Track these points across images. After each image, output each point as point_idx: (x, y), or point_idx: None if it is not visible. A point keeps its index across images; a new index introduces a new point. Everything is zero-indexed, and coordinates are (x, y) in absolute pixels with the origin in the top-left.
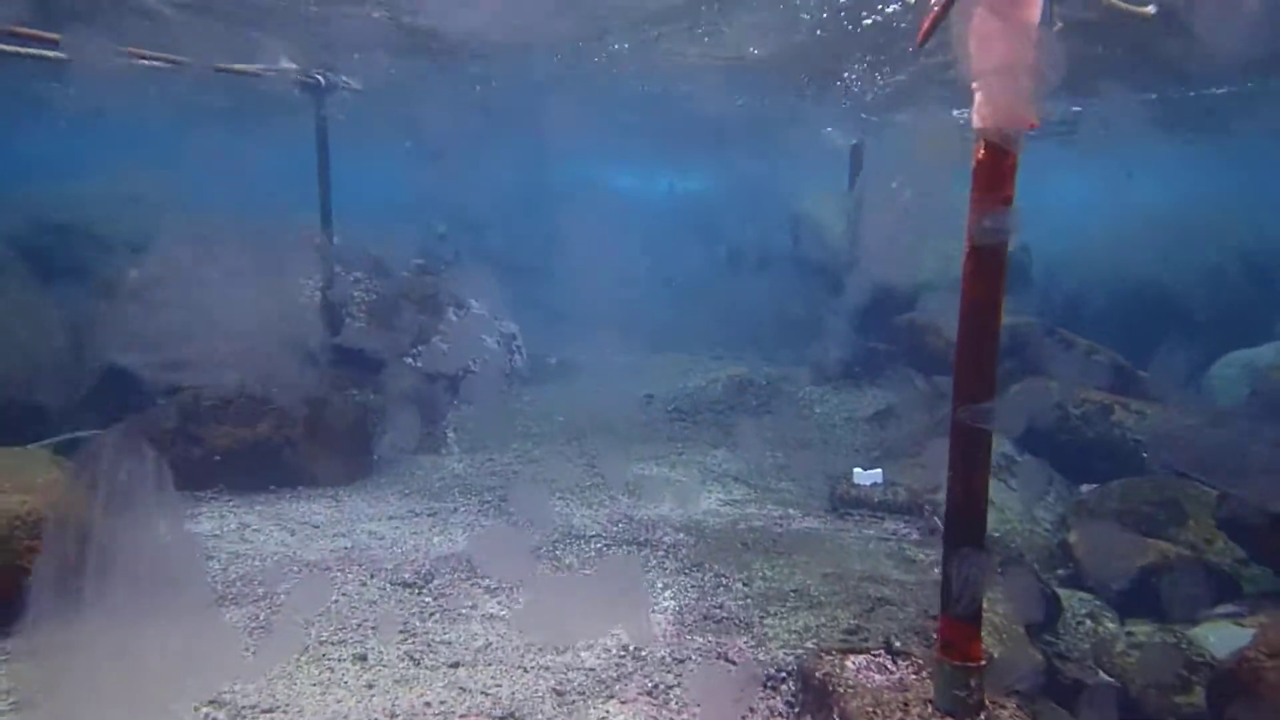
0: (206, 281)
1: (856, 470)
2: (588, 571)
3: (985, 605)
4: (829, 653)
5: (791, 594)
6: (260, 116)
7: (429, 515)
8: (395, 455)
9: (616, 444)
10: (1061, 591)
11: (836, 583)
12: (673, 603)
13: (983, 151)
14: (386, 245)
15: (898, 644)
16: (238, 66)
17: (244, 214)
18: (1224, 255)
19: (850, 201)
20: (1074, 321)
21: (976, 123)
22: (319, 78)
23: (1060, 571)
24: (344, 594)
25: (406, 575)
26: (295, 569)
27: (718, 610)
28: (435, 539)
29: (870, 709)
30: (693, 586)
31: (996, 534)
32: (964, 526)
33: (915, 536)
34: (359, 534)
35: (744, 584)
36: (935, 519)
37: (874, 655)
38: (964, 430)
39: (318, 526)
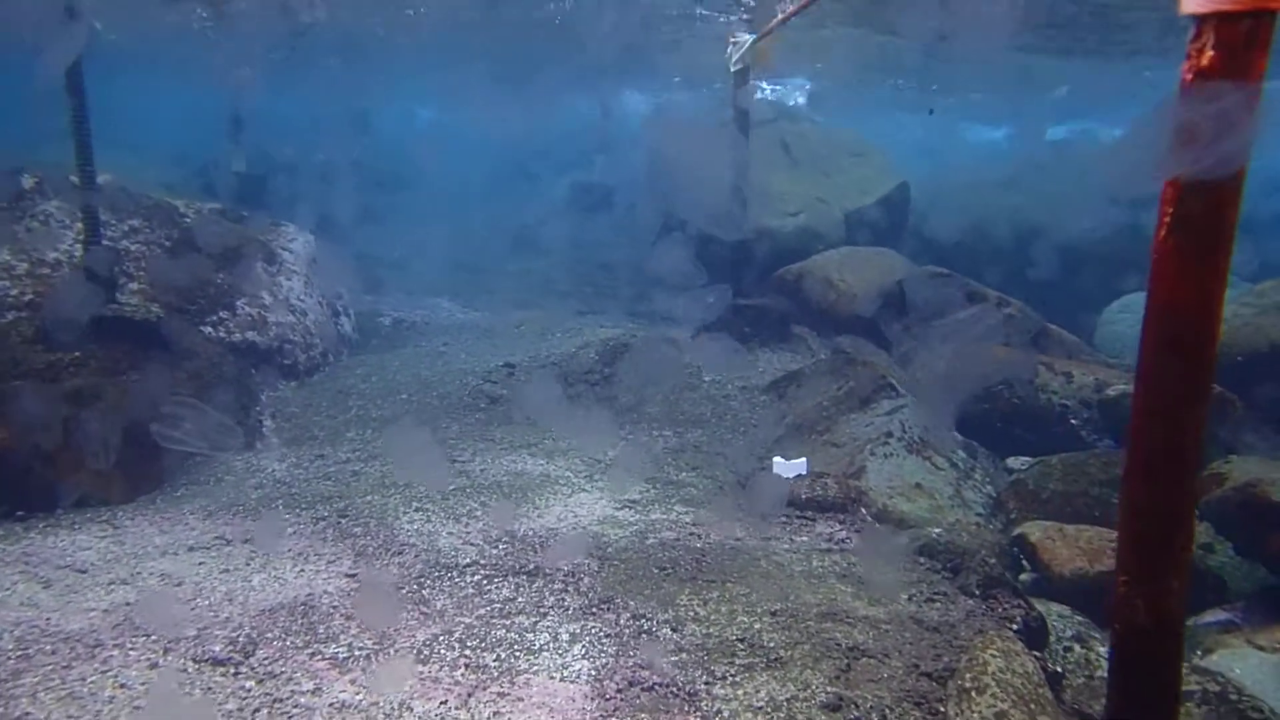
0: None
1: (777, 461)
2: (466, 619)
3: (981, 653)
4: None
5: (739, 645)
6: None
7: (244, 542)
8: (196, 456)
9: (479, 429)
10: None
11: (791, 625)
12: (585, 664)
13: (1209, 55)
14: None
15: None
16: None
17: None
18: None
19: (730, 133)
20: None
21: (1195, 3)
22: None
23: (1023, 578)
24: (122, 686)
25: (217, 647)
26: (48, 648)
27: (646, 674)
28: (255, 579)
29: None
30: (607, 636)
31: (938, 530)
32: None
33: (857, 543)
34: (146, 578)
35: (673, 629)
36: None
37: None
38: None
39: (85, 571)
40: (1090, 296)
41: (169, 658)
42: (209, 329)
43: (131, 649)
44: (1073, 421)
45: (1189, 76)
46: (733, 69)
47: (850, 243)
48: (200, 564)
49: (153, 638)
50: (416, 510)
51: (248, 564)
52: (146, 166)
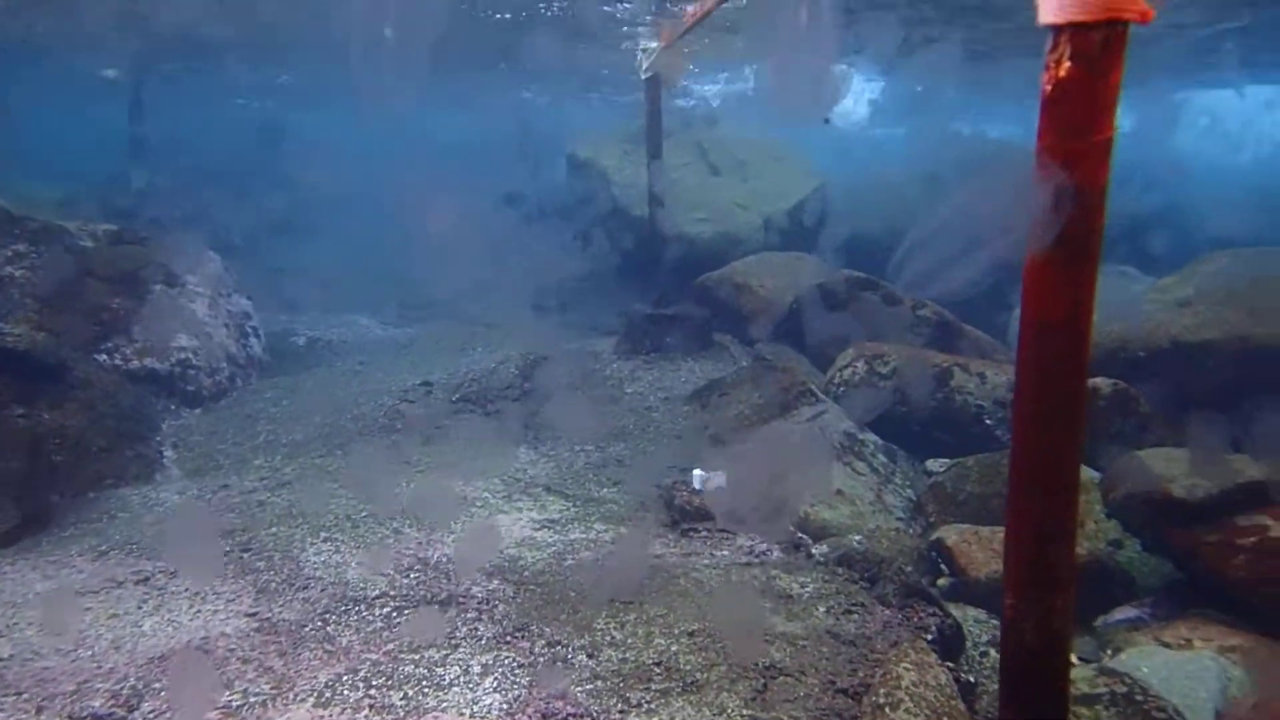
0: None
1: (696, 473)
2: (374, 655)
3: (893, 669)
4: None
5: (655, 669)
6: None
7: (137, 583)
8: (89, 492)
9: (392, 451)
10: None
11: (709, 645)
12: (497, 697)
13: (1067, 66)
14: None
15: None
16: None
17: None
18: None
19: (651, 144)
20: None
21: (1050, 14)
22: None
23: (941, 582)
24: None
25: (97, 702)
26: None
27: (560, 704)
28: (147, 624)
29: None
30: (520, 665)
31: (859, 538)
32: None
33: (777, 555)
34: (23, 630)
35: (589, 655)
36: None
37: None
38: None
39: None
40: (1004, 293)
41: (42, 717)
42: (104, 357)
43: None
44: (988, 422)
45: (1048, 88)
46: (644, 76)
47: (769, 247)
48: (86, 610)
49: (24, 696)
50: (325, 540)
51: (139, 607)
52: (38, 184)
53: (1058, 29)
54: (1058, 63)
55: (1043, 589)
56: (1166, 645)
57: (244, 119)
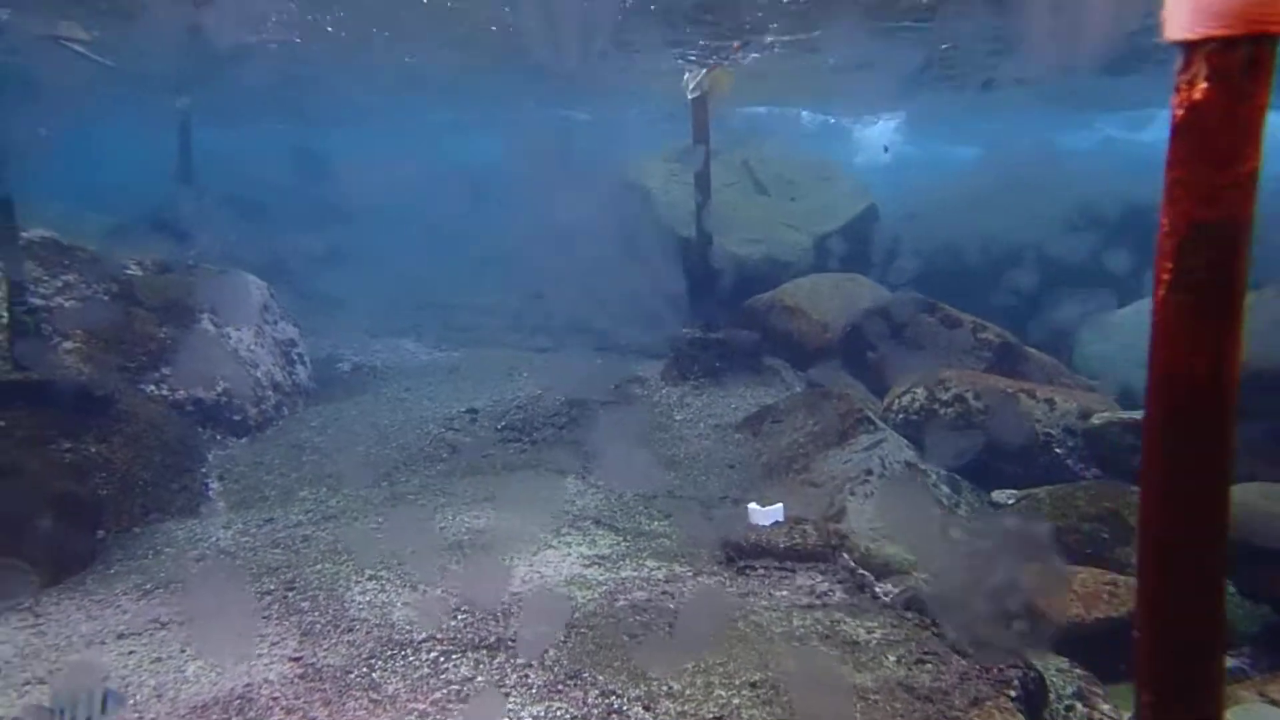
0: None
1: (752, 507)
2: (420, 704)
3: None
4: None
5: None
6: None
7: (181, 624)
8: (131, 526)
9: (439, 481)
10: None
11: (773, 699)
12: None
13: (1203, 87)
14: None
15: None
16: None
17: None
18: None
19: (696, 163)
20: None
21: (1181, 29)
22: None
23: (1016, 625)
24: None
25: None
26: None
27: None
28: (190, 669)
29: None
30: (573, 717)
31: (925, 577)
32: None
33: (840, 596)
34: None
35: (645, 707)
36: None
37: None
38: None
39: None
40: (1066, 317)
41: None
42: (150, 387)
43: None
44: (1057, 451)
45: (1180, 112)
46: (690, 96)
47: (819, 268)
48: (130, 653)
49: None
50: (370, 579)
51: (183, 651)
52: (88, 213)
53: (1191, 46)
54: (1191, 84)
55: (1196, 686)
56: (1275, 702)
57: (278, 142)
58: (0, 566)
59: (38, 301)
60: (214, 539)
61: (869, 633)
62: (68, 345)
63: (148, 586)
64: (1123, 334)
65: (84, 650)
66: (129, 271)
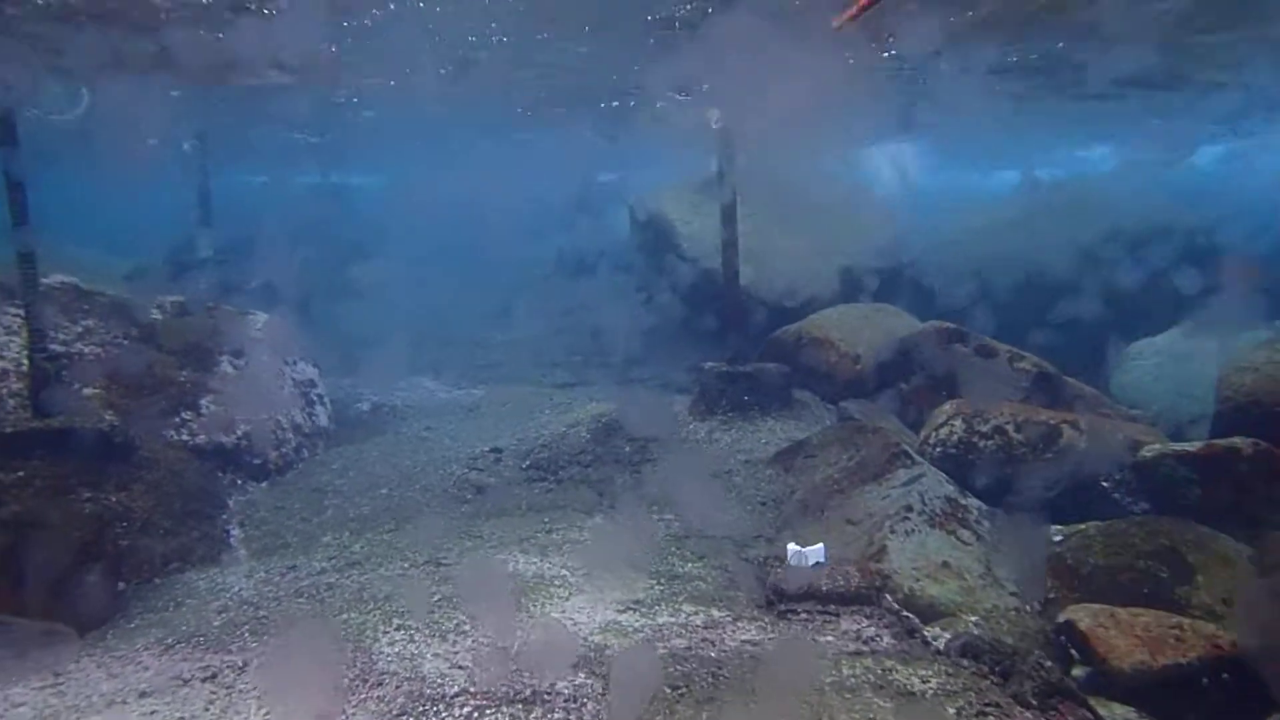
0: None
1: (791, 548)
2: None
3: None
4: None
5: None
6: None
7: (205, 680)
8: (152, 577)
9: (463, 524)
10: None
11: None
12: None
13: None
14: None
15: None
16: None
17: None
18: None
19: (724, 195)
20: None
21: None
22: None
23: (1075, 672)
24: None
25: None
26: None
27: None
28: None
29: None
30: None
31: (975, 619)
32: None
33: (888, 641)
34: None
35: None
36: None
37: None
38: None
39: None
40: (1098, 344)
41: None
42: (170, 432)
43: None
44: (1104, 484)
45: None
46: (715, 126)
47: (847, 298)
48: (152, 713)
49: None
50: (398, 629)
51: (206, 709)
52: (108, 257)
53: None
54: None
55: None
56: None
57: (296, 183)
58: (42, 631)
59: (58, 348)
60: (236, 589)
61: (924, 682)
62: (88, 391)
63: (170, 641)
64: (1160, 361)
65: (105, 711)
66: (149, 316)
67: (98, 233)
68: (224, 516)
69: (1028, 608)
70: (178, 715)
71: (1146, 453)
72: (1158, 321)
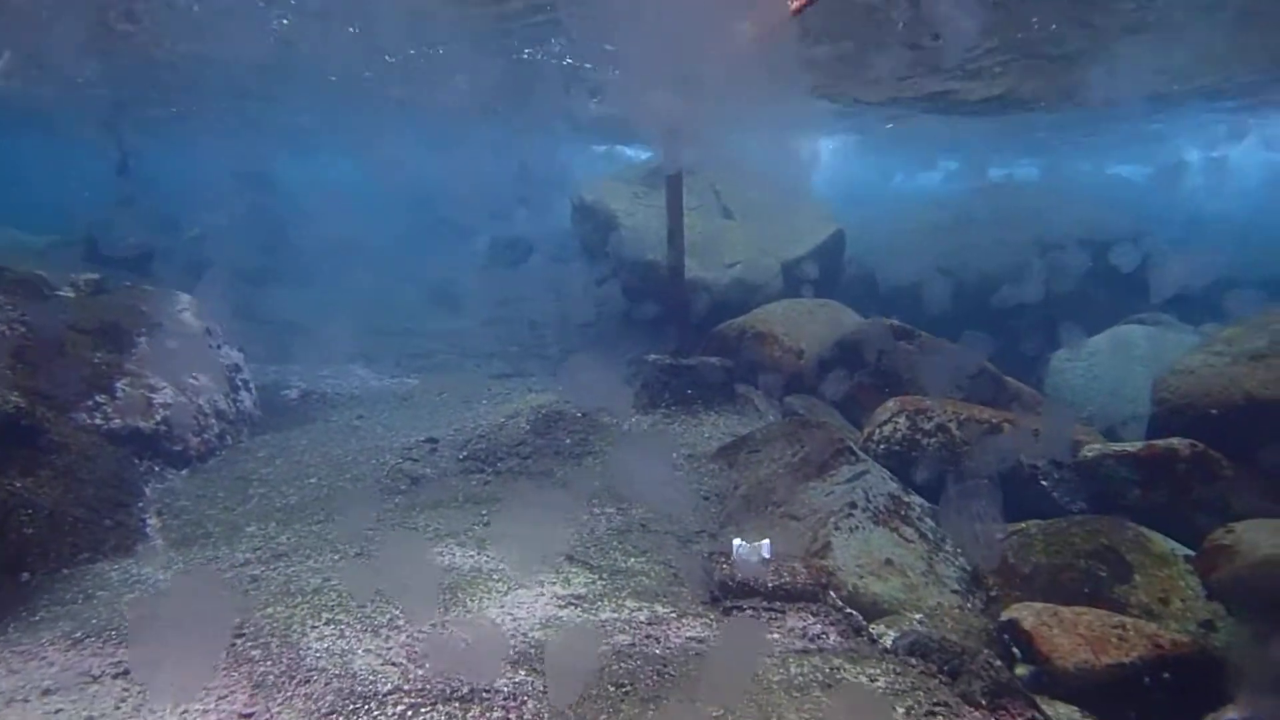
0: None
1: (737, 543)
2: None
3: None
4: None
5: None
6: None
7: (115, 677)
8: (60, 568)
9: (397, 516)
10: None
11: None
12: None
13: None
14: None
15: None
16: None
17: None
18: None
19: (670, 189)
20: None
21: None
22: None
23: (1020, 671)
24: None
25: None
26: None
27: None
28: None
29: None
30: None
31: (919, 618)
32: None
33: (835, 639)
34: None
35: None
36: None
37: None
38: None
39: None
40: (1027, 343)
41: None
42: (83, 416)
43: None
44: (1044, 483)
45: None
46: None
47: (789, 293)
48: (57, 712)
49: None
50: (327, 623)
51: (117, 708)
52: (22, 232)
53: None
54: None
55: None
56: None
57: (223, 164)
58: None
59: None
60: (152, 580)
61: (872, 680)
62: None
63: (78, 635)
64: (1095, 362)
65: (3, 710)
66: (62, 293)
67: (13, 207)
68: (140, 505)
69: (969, 606)
70: (85, 714)
71: (1088, 452)
72: (1091, 324)
